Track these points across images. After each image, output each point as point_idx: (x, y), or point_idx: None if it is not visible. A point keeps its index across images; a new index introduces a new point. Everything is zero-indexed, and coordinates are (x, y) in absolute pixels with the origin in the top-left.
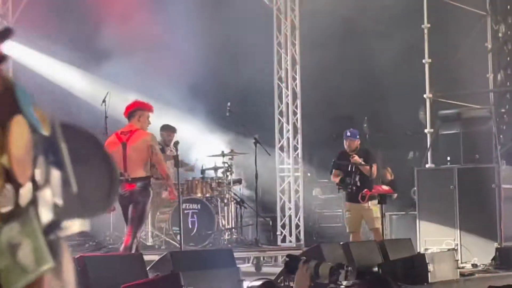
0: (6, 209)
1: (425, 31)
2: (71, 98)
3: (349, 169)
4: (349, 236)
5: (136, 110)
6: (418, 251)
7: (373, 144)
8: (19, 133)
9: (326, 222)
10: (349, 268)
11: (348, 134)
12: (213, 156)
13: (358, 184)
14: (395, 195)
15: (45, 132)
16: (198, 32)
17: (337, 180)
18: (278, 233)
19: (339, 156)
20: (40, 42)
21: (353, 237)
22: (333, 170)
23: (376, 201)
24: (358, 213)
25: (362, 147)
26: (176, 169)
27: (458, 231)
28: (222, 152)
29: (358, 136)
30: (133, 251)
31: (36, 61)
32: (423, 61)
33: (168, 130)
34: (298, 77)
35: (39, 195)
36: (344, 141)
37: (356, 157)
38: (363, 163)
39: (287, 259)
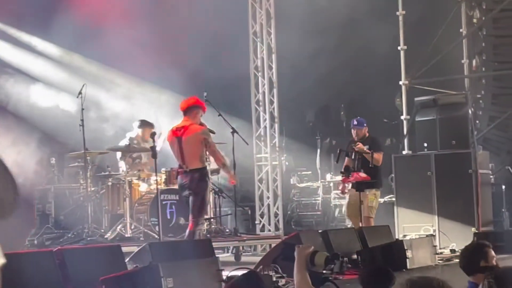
0: None
1: (400, 18)
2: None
3: (352, 157)
4: (326, 224)
5: (194, 107)
6: (397, 237)
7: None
8: None
9: (304, 211)
10: (345, 259)
11: (355, 123)
12: None
13: (361, 171)
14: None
15: None
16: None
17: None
18: (257, 222)
19: (349, 144)
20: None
21: (352, 222)
22: (346, 158)
23: (374, 190)
24: (355, 201)
25: (370, 135)
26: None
27: (436, 217)
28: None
29: (365, 124)
30: (196, 237)
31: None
32: (399, 48)
33: (146, 126)
34: (274, 66)
35: None
36: (352, 130)
37: (360, 145)
38: (367, 151)
39: (283, 246)
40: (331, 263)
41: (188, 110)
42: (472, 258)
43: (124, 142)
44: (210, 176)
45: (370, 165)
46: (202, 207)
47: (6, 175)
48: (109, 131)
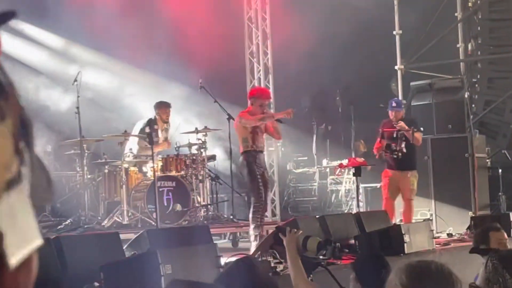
0: (11, 175)
1: (395, 2)
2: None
3: (394, 136)
4: (323, 209)
5: (250, 98)
6: (394, 222)
7: (346, 118)
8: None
9: (301, 196)
10: (337, 244)
11: (394, 104)
12: (187, 133)
13: (404, 150)
14: (369, 167)
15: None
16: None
17: (380, 148)
18: None
19: (383, 125)
20: None
21: (385, 203)
22: (378, 139)
23: (415, 172)
24: (396, 181)
25: (407, 117)
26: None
27: (433, 201)
28: (196, 128)
29: (403, 106)
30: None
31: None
32: (394, 32)
33: (162, 107)
34: (269, 52)
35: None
36: (390, 112)
37: (402, 123)
38: (408, 128)
39: (276, 231)
40: (324, 248)
41: (250, 99)
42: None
43: (140, 125)
44: (256, 160)
45: (411, 142)
46: (251, 189)
47: (40, 163)
48: (106, 119)
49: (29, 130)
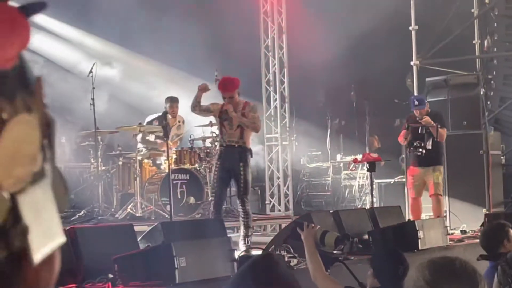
0: (37, 168)
1: None
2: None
3: (419, 132)
4: (336, 204)
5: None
6: (408, 218)
7: (361, 113)
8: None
9: (314, 191)
10: (355, 239)
11: (416, 103)
12: (201, 126)
13: (429, 147)
14: (383, 162)
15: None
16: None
17: (405, 142)
18: (267, 202)
19: (408, 118)
20: None
21: (412, 203)
22: (402, 131)
23: (441, 168)
24: (421, 178)
25: (433, 111)
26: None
27: (447, 197)
28: (210, 122)
29: (426, 101)
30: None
31: None
32: (410, 28)
33: (168, 101)
34: (285, 46)
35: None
36: (414, 111)
37: (427, 118)
38: (434, 124)
39: (294, 225)
40: (341, 243)
41: None
42: (493, 240)
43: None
44: (217, 153)
45: (436, 139)
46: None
47: (59, 172)
48: (120, 110)
49: (51, 129)
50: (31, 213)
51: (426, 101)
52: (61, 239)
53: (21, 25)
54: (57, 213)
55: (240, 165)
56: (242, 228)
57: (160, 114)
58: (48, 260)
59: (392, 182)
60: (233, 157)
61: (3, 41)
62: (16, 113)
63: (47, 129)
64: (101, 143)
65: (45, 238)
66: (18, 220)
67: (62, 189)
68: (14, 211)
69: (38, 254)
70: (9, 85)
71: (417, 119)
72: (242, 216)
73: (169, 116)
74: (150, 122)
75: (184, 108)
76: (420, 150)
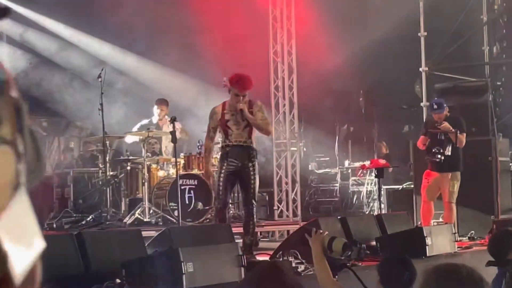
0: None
1: (421, 4)
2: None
3: (438, 137)
4: (344, 210)
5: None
6: (416, 224)
7: (369, 119)
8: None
9: (322, 197)
10: (363, 246)
11: (435, 107)
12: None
13: (449, 153)
14: (391, 168)
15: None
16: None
17: (423, 148)
18: (275, 208)
19: (426, 123)
20: None
21: (424, 206)
22: (421, 136)
23: (458, 175)
24: (436, 184)
25: (452, 116)
26: (173, 144)
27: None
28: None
29: (445, 105)
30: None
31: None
32: (419, 34)
33: (161, 103)
34: (293, 51)
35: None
36: (433, 115)
37: (446, 124)
38: (453, 130)
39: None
40: (349, 249)
41: None
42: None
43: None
44: (222, 154)
45: (456, 145)
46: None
47: (31, 137)
48: (128, 116)
49: (21, 115)
50: (8, 235)
51: (445, 105)
52: (40, 246)
53: None
54: (34, 218)
55: (250, 165)
56: (247, 236)
57: (150, 119)
58: (30, 275)
59: (400, 188)
60: (242, 157)
61: None
62: None
63: (17, 118)
64: (109, 148)
65: (25, 254)
66: None
67: (34, 159)
68: None
69: (19, 275)
70: None
71: (436, 124)
72: (251, 222)
73: (158, 118)
74: (143, 125)
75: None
76: (439, 156)
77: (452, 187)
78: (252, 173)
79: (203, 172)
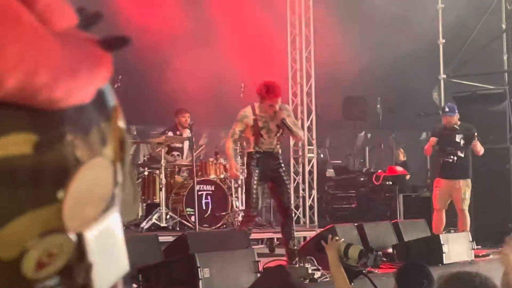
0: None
1: (440, 11)
2: None
3: (454, 139)
4: (361, 217)
5: (259, 94)
6: (440, 230)
7: (386, 125)
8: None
9: (339, 203)
10: (379, 253)
11: (447, 109)
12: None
13: (462, 155)
14: (409, 176)
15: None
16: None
17: (430, 152)
18: None
19: (438, 130)
20: None
21: (436, 214)
22: (431, 138)
23: (469, 182)
24: (447, 191)
25: (464, 124)
26: (191, 150)
27: (473, 212)
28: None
29: (456, 111)
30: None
31: None
32: (438, 41)
33: (178, 113)
34: (312, 58)
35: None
36: (442, 118)
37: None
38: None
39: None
40: (365, 256)
41: None
42: None
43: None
44: (251, 161)
45: (475, 153)
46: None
47: (131, 179)
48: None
49: (124, 148)
50: (97, 249)
51: (457, 110)
52: (125, 268)
53: (102, 62)
54: (123, 240)
55: (281, 171)
56: (291, 242)
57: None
58: None
59: (417, 196)
60: (273, 164)
61: (83, 82)
62: (91, 149)
63: (120, 148)
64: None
65: (109, 271)
66: (82, 257)
67: (131, 198)
68: (79, 249)
69: None
70: (85, 118)
71: (447, 130)
72: (293, 227)
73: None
74: (163, 133)
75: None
76: (452, 157)
77: (464, 194)
78: (285, 178)
79: (218, 177)
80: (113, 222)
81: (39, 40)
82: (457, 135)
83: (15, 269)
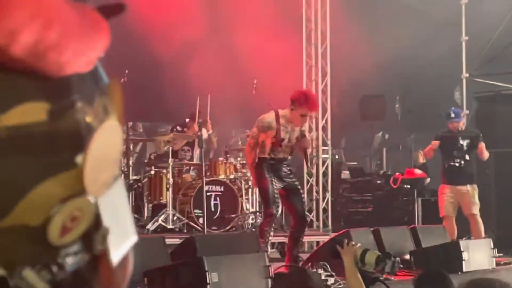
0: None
1: (463, 7)
2: None
3: (459, 143)
4: (377, 221)
5: (295, 101)
6: (452, 238)
7: (405, 126)
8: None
9: (354, 207)
10: (397, 259)
11: (452, 115)
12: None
13: (468, 158)
14: (428, 179)
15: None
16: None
17: (431, 155)
18: None
19: (437, 136)
20: None
21: (445, 222)
22: (433, 141)
23: (475, 185)
24: (455, 197)
25: (469, 128)
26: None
27: (495, 218)
28: (246, 132)
29: (462, 116)
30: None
31: None
32: (460, 39)
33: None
34: (328, 55)
35: None
36: (448, 124)
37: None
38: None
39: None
40: (383, 262)
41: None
42: None
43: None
44: (263, 166)
45: (482, 158)
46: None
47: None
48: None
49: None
50: (110, 215)
51: (462, 115)
52: (134, 238)
53: (102, 29)
54: (129, 210)
55: (294, 180)
56: (297, 249)
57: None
58: (123, 261)
59: (436, 200)
60: (284, 171)
61: (86, 46)
62: (97, 116)
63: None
64: (132, 151)
65: (121, 239)
66: (99, 223)
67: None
68: (97, 215)
69: (115, 256)
70: (88, 88)
71: (454, 134)
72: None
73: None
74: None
75: None
76: (458, 160)
77: (473, 198)
78: (298, 184)
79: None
80: (120, 192)
81: None
82: (462, 140)
83: (42, 236)
